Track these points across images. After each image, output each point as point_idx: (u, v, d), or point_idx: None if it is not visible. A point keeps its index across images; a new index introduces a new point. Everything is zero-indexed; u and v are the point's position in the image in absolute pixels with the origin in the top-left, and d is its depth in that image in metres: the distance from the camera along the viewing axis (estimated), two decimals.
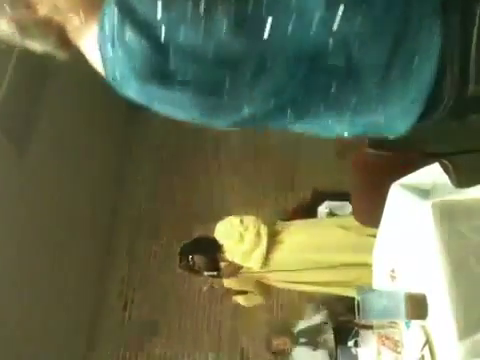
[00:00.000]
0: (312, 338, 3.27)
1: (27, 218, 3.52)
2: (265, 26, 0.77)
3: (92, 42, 0.87)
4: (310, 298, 3.79)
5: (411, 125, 0.91)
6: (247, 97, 0.86)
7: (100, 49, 0.87)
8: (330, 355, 3.17)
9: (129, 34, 0.81)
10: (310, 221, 3.33)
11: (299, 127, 0.95)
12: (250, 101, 0.86)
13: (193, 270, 2.98)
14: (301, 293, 3.93)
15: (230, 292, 3.20)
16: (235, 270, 3.01)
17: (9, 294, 3.30)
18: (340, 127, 0.93)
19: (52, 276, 3.78)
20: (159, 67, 0.83)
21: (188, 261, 2.92)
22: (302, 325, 3.47)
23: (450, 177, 1.67)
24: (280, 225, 3.10)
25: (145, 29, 0.80)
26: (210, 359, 4.04)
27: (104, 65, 0.89)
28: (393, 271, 1.92)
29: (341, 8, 0.77)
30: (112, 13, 0.81)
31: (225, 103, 0.87)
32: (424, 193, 1.61)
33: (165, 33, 0.80)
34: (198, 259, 2.91)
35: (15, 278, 3.34)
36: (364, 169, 2.39)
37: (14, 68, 3.32)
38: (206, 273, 2.98)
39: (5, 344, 3.23)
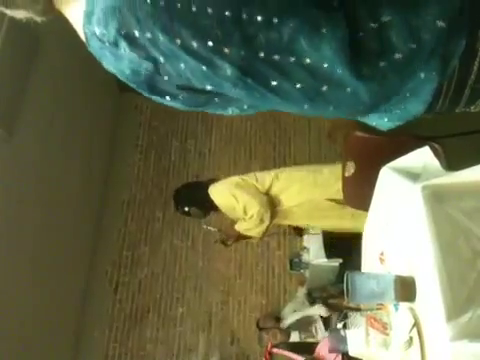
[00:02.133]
0: (305, 329, 3.31)
1: (16, 201, 3.50)
2: None
3: (76, 15, 0.86)
4: (302, 281, 3.83)
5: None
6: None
7: (86, 35, 0.85)
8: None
9: (124, 48, 0.80)
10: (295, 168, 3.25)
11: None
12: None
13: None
14: (293, 277, 3.97)
15: (239, 238, 3.22)
16: (236, 236, 3.08)
17: None
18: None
19: (41, 258, 3.77)
20: (151, 82, 0.85)
21: (184, 211, 3.01)
22: (289, 309, 3.51)
23: (440, 160, 1.68)
24: (264, 178, 3.02)
25: (144, 51, 0.79)
26: (201, 339, 4.06)
27: (88, 45, 0.87)
28: (382, 254, 1.93)
29: None
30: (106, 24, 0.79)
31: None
32: (414, 176, 1.62)
33: (164, 59, 0.79)
34: (194, 211, 2.98)
35: (3, 260, 3.32)
36: (355, 152, 2.39)
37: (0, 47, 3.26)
38: (205, 226, 3.21)
39: None
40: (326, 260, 3.60)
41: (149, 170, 4.96)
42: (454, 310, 1.30)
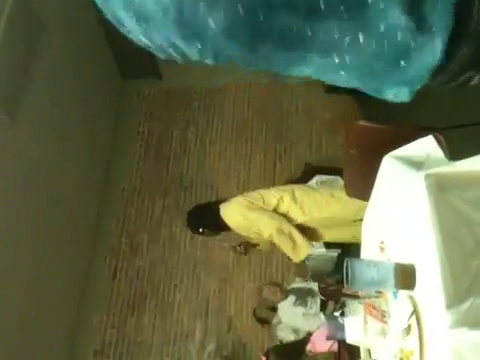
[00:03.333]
0: (302, 297, 3.33)
1: (16, 187, 3.49)
2: None
3: None
4: (301, 272, 3.84)
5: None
6: None
7: None
8: (312, 316, 3.24)
9: None
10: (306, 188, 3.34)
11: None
12: None
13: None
14: (293, 266, 3.98)
15: (249, 246, 3.37)
16: (250, 246, 3.25)
17: None
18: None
19: (41, 245, 3.78)
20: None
21: (199, 232, 3.22)
22: (294, 285, 3.55)
23: (443, 150, 1.68)
24: (269, 200, 3.11)
25: None
26: (198, 326, 4.08)
27: None
28: (382, 242, 1.93)
29: None
30: None
31: None
32: (417, 165, 1.62)
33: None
34: (207, 232, 3.18)
35: (2, 245, 3.33)
36: (357, 141, 2.39)
37: (3, 33, 3.25)
38: (223, 244, 3.40)
39: None
40: (325, 250, 3.62)
41: (150, 158, 4.95)
42: (454, 298, 1.31)
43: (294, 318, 3.46)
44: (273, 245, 3.22)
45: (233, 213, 3.06)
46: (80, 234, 4.42)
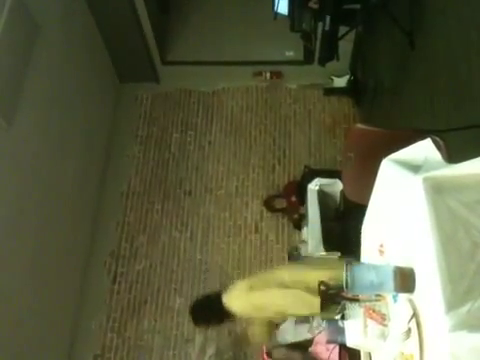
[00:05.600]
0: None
1: (15, 191, 3.49)
2: None
3: None
4: None
5: None
6: None
7: None
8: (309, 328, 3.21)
9: None
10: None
11: None
12: None
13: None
14: None
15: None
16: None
17: None
18: None
19: (40, 249, 3.77)
20: None
21: (205, 325, 3.23)
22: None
23: (441, 153, 1.69)
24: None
25: None
26: (198, 330, 4.07)
27: None
28: (381, 246, 1.93)
29: None
30: None
31: None
32: (415, 168, 1.62)
33: None
34: (214, 324, 3.13)
35: (1, 249, 3.32)
36: (355, 144, 2.39)
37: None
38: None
39: None
40: (325, 253, 3.61)
41: (148, 161, 4.95)
42: (453, 301, 1.31)
43: (300, 336, 3.42)
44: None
45: (241, 304, 2.94)
46: (79, 238, 4.42)
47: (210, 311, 3.05)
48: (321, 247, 3.64)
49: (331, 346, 2.97)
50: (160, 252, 4.50)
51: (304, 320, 3.39)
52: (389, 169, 1.75)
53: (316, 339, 3.25)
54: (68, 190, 4.22)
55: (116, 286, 4.41)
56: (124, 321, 4.27)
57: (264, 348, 3.41)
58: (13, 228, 3.45)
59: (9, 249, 3.38)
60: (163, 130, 5.08)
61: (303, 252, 3.89)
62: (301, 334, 3.39)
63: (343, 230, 3.68)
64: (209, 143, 4.99)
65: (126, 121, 5.15)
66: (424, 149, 1.69)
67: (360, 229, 2.26)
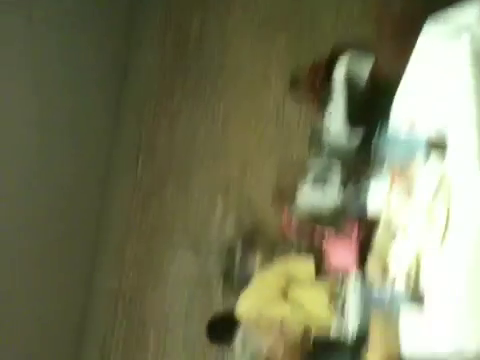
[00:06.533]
0: (320, 174, 3.28)
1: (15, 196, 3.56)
2: None
3: None
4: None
5: None
6: None
7: None
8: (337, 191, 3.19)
9: None
10: None
11: None
12: None
13: None
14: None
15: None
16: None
17: None
18: None
19: (39, 253, 3.79)
20: None
21: (223, 343, 3.10)
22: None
23: None
24: None
25: None
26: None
27: None
28: (412, 119, 1.89)
29: None
30: None
31: None
32: (462, 28, 1.53)
33: None
34: (231, 340, 2.98)
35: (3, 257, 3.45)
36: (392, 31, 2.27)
37: None
38: None
39: None
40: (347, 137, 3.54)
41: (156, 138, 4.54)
42: None
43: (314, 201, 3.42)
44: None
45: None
46: (82, 241, 4.25)
47: (227, 328, 3.10)
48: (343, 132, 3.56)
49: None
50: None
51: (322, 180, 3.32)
52: (432, 28, 1.66)
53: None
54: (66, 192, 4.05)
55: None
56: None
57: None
58: (16, 236, 3.55)
59: (10, 255, 3.50)
60: (169, 99, 4.67)
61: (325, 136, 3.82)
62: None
63: (368, 107, 3.59)
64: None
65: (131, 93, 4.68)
66: (472, 11, 1.60)
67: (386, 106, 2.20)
